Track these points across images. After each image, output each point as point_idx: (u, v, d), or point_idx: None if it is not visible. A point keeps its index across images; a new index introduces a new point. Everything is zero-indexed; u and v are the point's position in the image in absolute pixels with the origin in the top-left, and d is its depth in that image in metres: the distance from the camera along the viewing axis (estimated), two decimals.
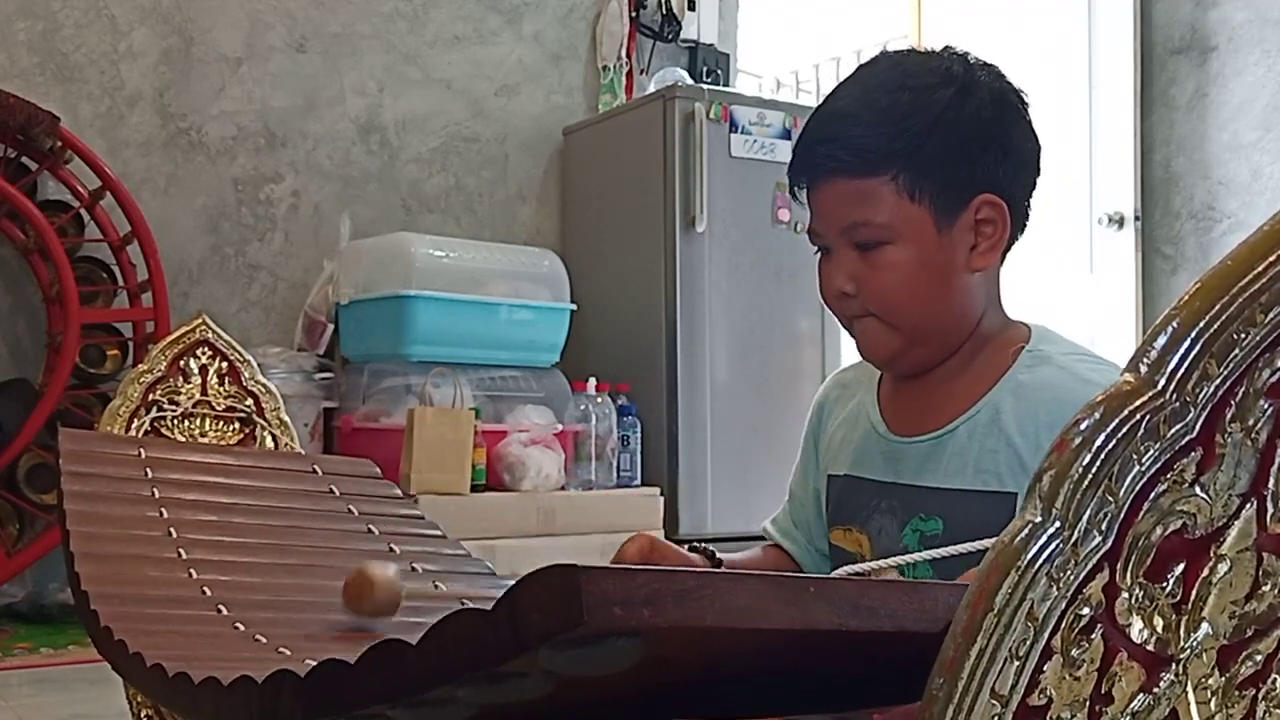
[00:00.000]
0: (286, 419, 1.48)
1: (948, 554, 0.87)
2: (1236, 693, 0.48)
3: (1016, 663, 0.42)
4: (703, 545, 1.22)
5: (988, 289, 1.10)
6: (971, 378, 1.08)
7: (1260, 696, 0.49)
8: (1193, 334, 0.44)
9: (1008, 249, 1.10)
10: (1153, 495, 0.44)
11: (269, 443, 1.45)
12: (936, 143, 1.03)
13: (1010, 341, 1.09)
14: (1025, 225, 1.10)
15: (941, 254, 1.05)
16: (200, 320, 1.46)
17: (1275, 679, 0.49)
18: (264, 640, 0.87)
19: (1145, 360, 0.44)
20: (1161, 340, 0.44)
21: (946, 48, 1.11)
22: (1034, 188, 1.10)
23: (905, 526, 1.09)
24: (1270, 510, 0.47)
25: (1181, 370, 0.44)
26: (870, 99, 1.06)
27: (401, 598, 0.92)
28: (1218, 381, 0.44)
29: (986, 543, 0.88)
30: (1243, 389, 0.45)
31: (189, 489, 1.21)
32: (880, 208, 1.04)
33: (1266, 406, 0.46)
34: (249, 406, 1.44)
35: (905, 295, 1.06)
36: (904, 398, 1.14)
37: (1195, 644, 0.46)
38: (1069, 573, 0.43)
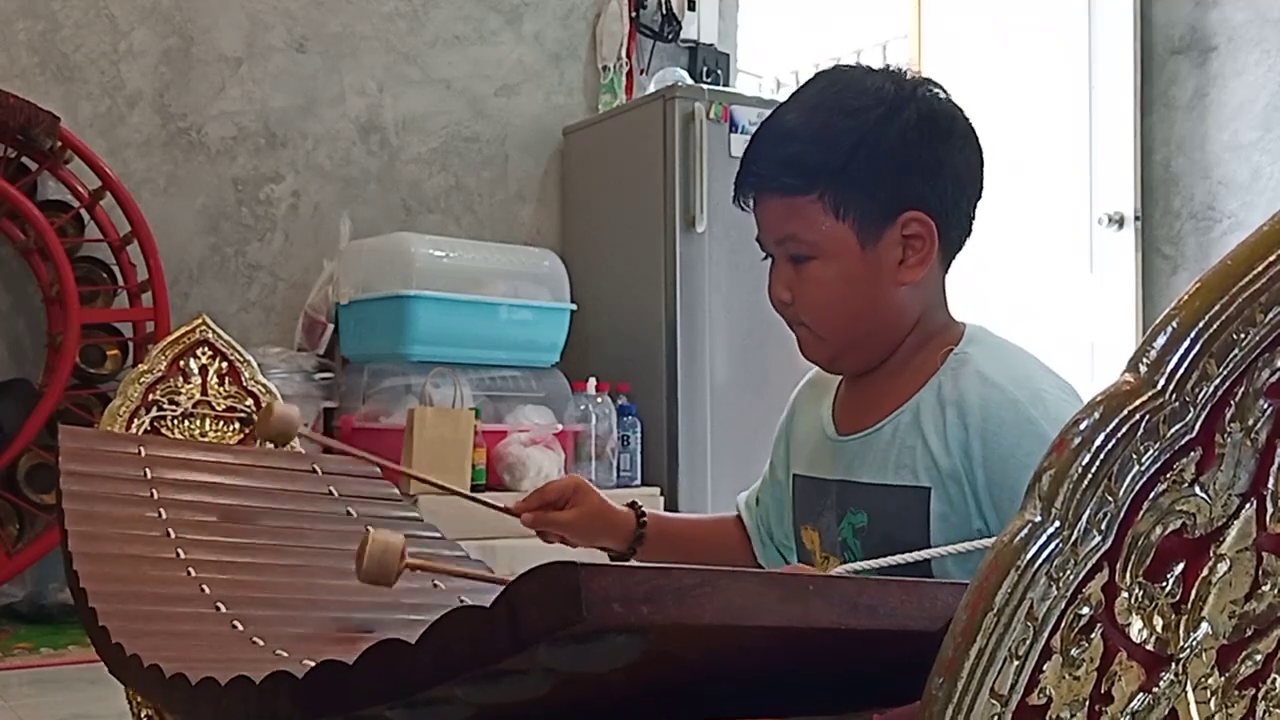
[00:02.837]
0: None
1: (949, 552, 0.88)
2: (1236, 692, 0.48)
3: (1016, 662, 0.42)
4: (633, 501, 1.34)
5: (926, 295, 1.14)
6: (905, 378, 1.13)
7: (1260, 696, 0.49)
8: (1192, 334, 0.44)
9: (953, 256, 1.15)
10: (1152, 495, 0.44)
11: (269, 443, 1.44)
12: (860, 163, 1.07)
13: (944, 343, 1.13)
14: (969, 233, 1.15)
15: (865, 269, 1.10)
16: (200, 320, 1.46)
17: (1275, 679, 0.49)
18: (262, 642, 0.87)
19: (1145, 360, 0.44)
20: (1161, 340, 0.44)
21: (887, 66, 1.16)
22: (976, 198, 1.14)
23: (842, 520, 1.15)
24: (1270, 510, 0.47)
25: (1181, 370, 0.44)
26: (804, 119, 1.12)
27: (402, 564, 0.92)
28: (1217, 381, 0.44)
29: (988, 542, 0.89)
30: (1242, 389, 0.45)
31: (188, 488, 1.21)
32: (808, 225, 1.09)
33: (1266, 406, 0.46)
34: (249, 406, 1.44)
35: (830, 308, 1.12)
36: (850, 398, 1.20)
37: (1195, 644, 0.46)
38: (1069, 572, 0.43)
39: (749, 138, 1.17)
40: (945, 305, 1.16)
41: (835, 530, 1.15)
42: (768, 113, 1.17)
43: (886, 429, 1.12)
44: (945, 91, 1.13)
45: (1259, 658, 0.48)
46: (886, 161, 1.08)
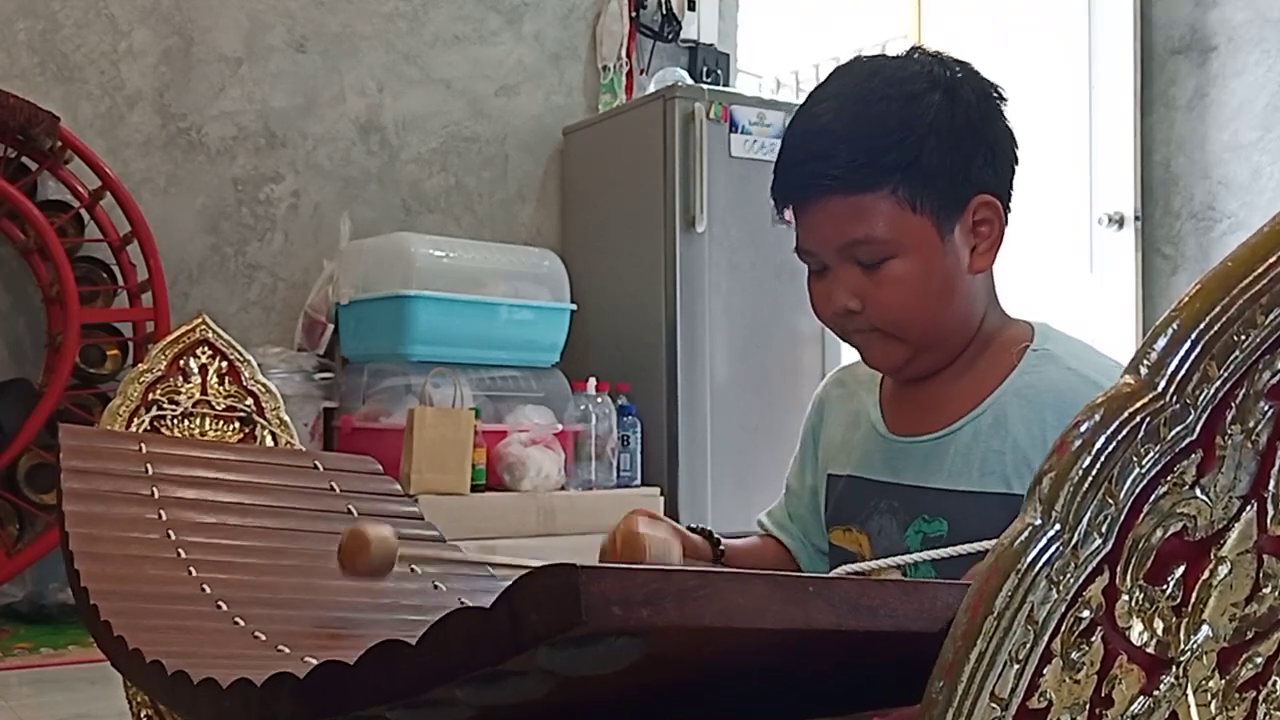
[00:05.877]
0: (286, 418, 1.48)
1: (949, 554, 0.86)
2: (1237, 695, 0.48)
3: (1016, 666, 0.42)
4: (703, 528, 1.21)
5: (986, 288, 1.09)
6: (975, 378, 1.08)
7: (1261, 699, 0.49)
8: (1193, 336, 0.44)
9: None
10: (1153, 497, 0.44)
11: (269, 442, 1.44)
12: (932, 151, 1.01)
13: (1013, 340, 1.08)
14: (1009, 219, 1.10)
15: (946, 261, 1.03)
16: (200, 320, 1.46)
17: (1276, 681, 0.49)
18: (263, 637, 0.87)
19: (1145, 362, 0.44)
20: (1162, 342, 0.44)
21: (916, 48, 1.09)
22: (1014, 179, 1.09)
23: (908, 527, 1.08)
24: (1270, 512, 0.47)
25: (1182, 372, 0.44)
26: (855, 111, 1.03)
27: (396, 557, 0.91)
28: (1218, 383, 0.44)
29: (987, 544, 0.88)
30: (1243, 391, 0.45)
31: (189, 486, 1.20)
32: (882, 222, 1.02)
33: (1267, 408, 0.46)
34: (249, 406, 1.44)
35: (912, 308, 1.04)
36: (906, 398, 1.13)
37: (1195, 646, 0.46)
38: (1069, 575, 0.43)
39: (779, 143, 1.09)
40: (998, 300, 1.11)
41: (897, 537, 1.08)
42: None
43: (965, 431, 1.05)
44: (979, 71, 1.08)
45: (1260, 660, 0.48)
46: (956, 145, 1.02)
